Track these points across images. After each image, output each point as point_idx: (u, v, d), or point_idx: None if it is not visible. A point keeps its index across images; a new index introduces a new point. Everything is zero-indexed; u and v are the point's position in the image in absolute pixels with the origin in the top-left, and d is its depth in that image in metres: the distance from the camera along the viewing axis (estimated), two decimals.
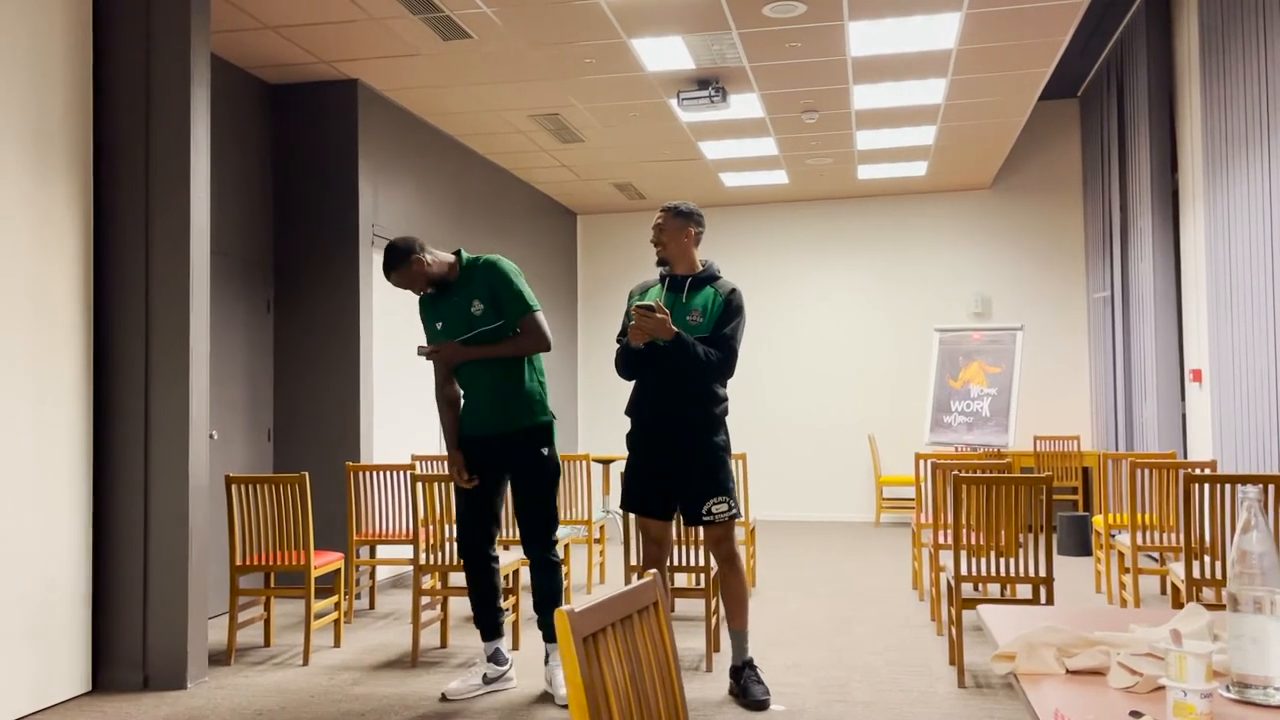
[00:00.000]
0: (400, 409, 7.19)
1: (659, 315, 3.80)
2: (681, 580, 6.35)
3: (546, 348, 4.14)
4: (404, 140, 7.23)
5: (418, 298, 4.25)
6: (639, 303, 3.86)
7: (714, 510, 3.99)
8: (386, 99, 6.97)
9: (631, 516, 4.58)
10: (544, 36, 5.90)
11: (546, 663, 4.24)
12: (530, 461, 4.13)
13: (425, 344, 4.25)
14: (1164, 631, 1.86)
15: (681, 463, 4.02)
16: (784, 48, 6.13)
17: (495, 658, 4.24)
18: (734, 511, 4.04)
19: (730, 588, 4.08)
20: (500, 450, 4.14)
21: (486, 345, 4.08)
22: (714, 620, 4.64)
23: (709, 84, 6.73)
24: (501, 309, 4.08)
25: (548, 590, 4.17)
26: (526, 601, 6.17)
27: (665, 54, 6.20)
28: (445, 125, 7.68)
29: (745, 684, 3.99)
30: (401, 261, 4.01)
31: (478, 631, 4.41)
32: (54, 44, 4.19)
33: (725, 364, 3.97)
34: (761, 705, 3.92)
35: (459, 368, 4.16)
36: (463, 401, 4.23)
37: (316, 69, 6.39)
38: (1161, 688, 1.65)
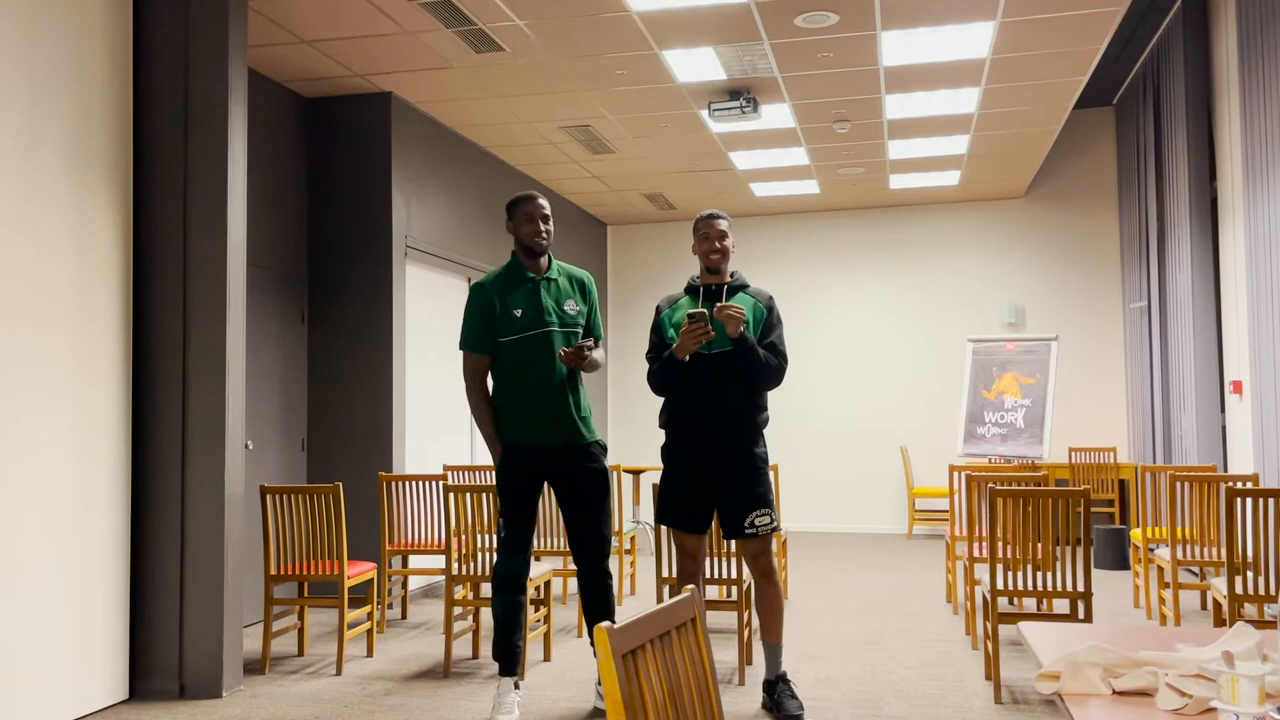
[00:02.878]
0: (433, 420, 7.22)
1: (731, 308, 3.81)
2: (714, 593, 6.32)
3: (597, 369, 4.19)
4: (436, 152, 7.28)
5: (470, 290, 4.09)
6: (692, 310, 3.85)
7: (757, 523, 3.97)
8: (419, 111, 7.02)
9: (664, 529, 4.56)
10: (576, 48, 5.92)
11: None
12: (600, 473, 4.08)
13: (472, 333, 4.03)
14: (1212, 651, 1.82)
15: (723, 475, 3.99)
16: (815, 58, 6.12)
17: (517, 686, 4.12)
18: (775, 524, 4.03)
19: (767, 601, 4.06)
20: (568, 461, 4.03)
21: (593, 356, 4.03)
22: (746, 633, 4.61)
23: (740, 94, 6.72)
24: (588, 322, 4.13)
25: (607, 606, 4.12)
26: (559, 614, 6.16)
27: (696, 65, 6.20)
28: (477, 137, 7.72)
29: (779, 698, 3.96)
30: (545, 198, 4.08)
31: (500, 663, 4.08)
32: (95, 60, 4.25)
33: (780, 370, 3.99)
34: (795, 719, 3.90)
35: (530, 366, 3.98)
36: (506, 408, 4.04)
37: (351, 82, 6.45)
38: (1211, 709, 1.62)
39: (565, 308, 4.06)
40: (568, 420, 4.03)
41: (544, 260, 4.10)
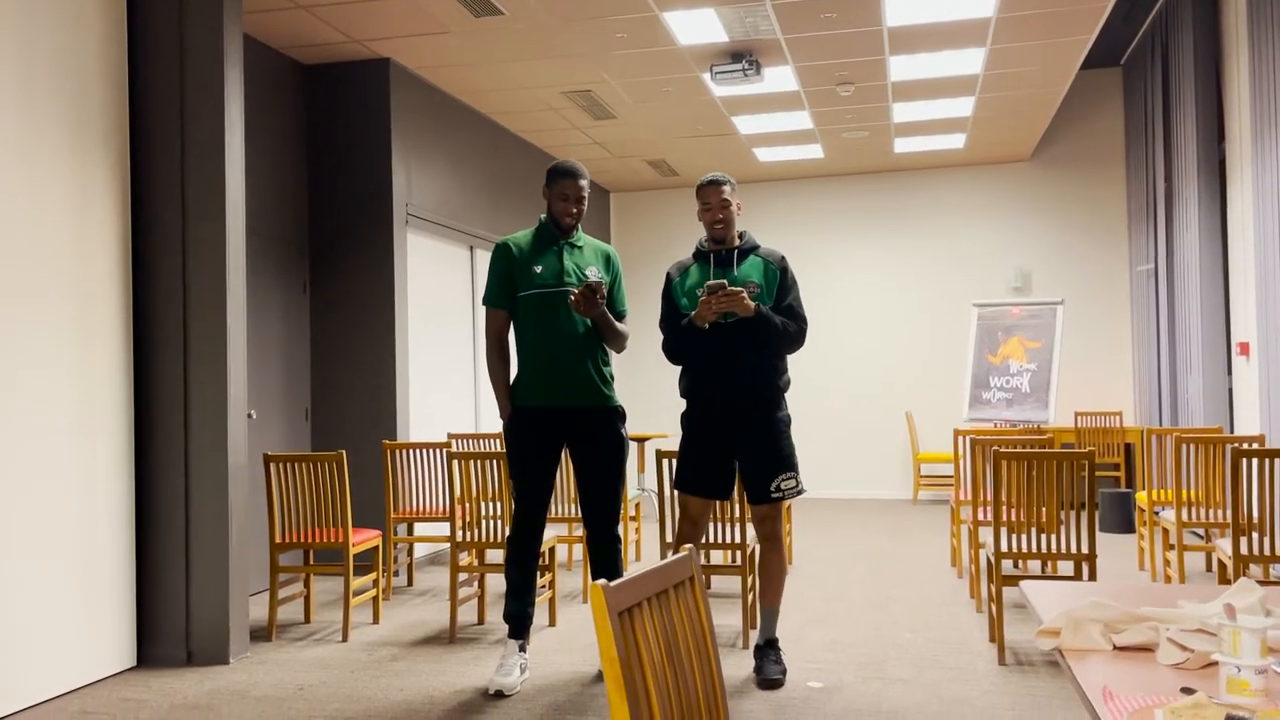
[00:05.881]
0: (436, 387, 7.22)
1: (734, 292, 3.75)
2: (718, 557, 6.34)
3: (622, 350, 4.14)
4: (436, 119, 7.23)
5: (494, 247, 4.04)
6: (711, 282, 3.81)
7: (783, 486, 3.96)
8: (419, 77, 6.96)
9: (669, 494, 4.56)
10: (575, 12, 5.85)
11: None
12: (615, 437, 4.05)
13: (492, 288, 4.04)
14: (1215, 607, 1.81)
15: (746, 442, 3.97)
16: (818, 19, 6.04)
17: (523, 649, 4.11)
18: (801, 487, 4.03)
19: (769, 565, 4.06)
20: (584, 423, 4.01)
21: (609, 316, 3.99)
22: (750, 597, 4.62)
23: (742, 57, 6.65)
24: (610, 295, 4.08)
25: (615, 570, 4.11)
26: (563, 579, 6.19)
27: (698, 27, 6.13)
28: (477, 103, 7.66)
29: (763, 662, 3.99)
30: (587, 176, 4.04)
31: (509, 625, 4.12)
32: (90, 25, 4.21)
33: (801, 335, 3.98)
34: (774, 684, 3.91)
35: (547, 322, 3.96)
36: (523, 368, 4.03)
37: (349, 48, 6.39)
38: (1212, 664, 1.61)
39: (587, 272, 4.03)
40: (584, 381, 4.00)
41: (574, 230, 4.10)
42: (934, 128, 8.66)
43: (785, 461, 3.97)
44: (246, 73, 6.02)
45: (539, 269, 3.99)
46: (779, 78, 7.16)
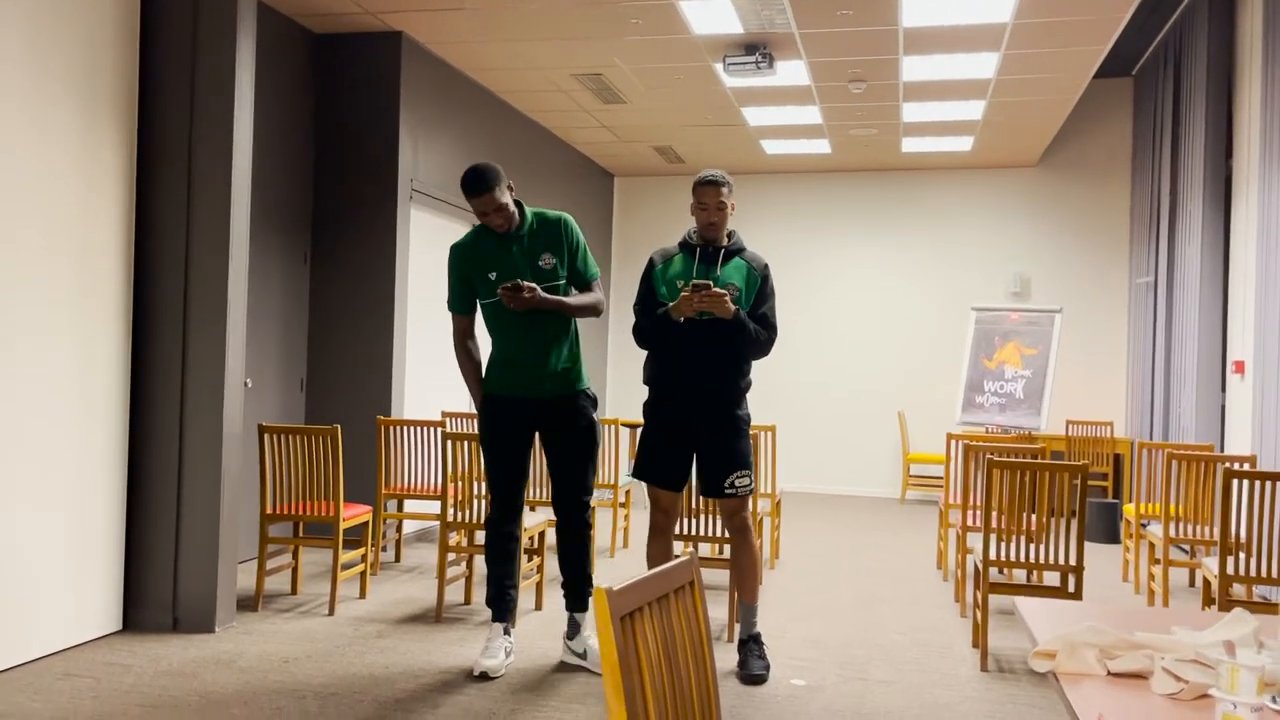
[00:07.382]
0: (433, 365, 7.21)
1: (717, 293, 3.76)
2: (705, 550, 6.35)
3: (600, 314, 4.10)
4: (445, 95, 7.19)
5: (448, 251, 4.05)
6: (696, 280, 3.81)
7: (737, 484, 3.99)
8: (429, 52, 6.91)
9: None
10: None
11: (576, 634, 4.08)
12: (582, 425, 4.03)
13: (452, 295, 4.04)
14: (1209, 636, 1.82)
15: (705, 436, 4.00)
16: (834, 15, 6.01)
17: (508, 632, 4.12)
18: (752, 485, 4.07)
19: (741, 560, 4.09)
20: (552, 413, 4.00)
21: (558, 298, 3.90)
22: (738, 591, 4.63)
23: (756, 49, 6.62)
24: (572, 267, 4.01)
25: (580, 557, 4.09)
26: (551, 564, 6.20)
27: (713, 17, 6.10)
28: (487, 81, 7.62)
29: (746, 658, 4.01)
30: (496, 181, 3.81)
31: (491, 609, 4.11)
32: None
33: (770, 343, 4.01)
34: (757, 680, 3.93)
35: (506, 324, 3.95)
36: (492, 360, 4.05)
37: (361, 20, 6.34)
38: (1206, 695, 1.62)
39: (541, 263, 3.95)
40: (552, 374, 3.98)
41: (515, 218, 3.97)
42: (943, 129, 8.64)
43: (742, 459, 4.01)
44: (257, 40, 5.97)
45: (493, 275, 3.94)
46: (791, 72, 7.13)
